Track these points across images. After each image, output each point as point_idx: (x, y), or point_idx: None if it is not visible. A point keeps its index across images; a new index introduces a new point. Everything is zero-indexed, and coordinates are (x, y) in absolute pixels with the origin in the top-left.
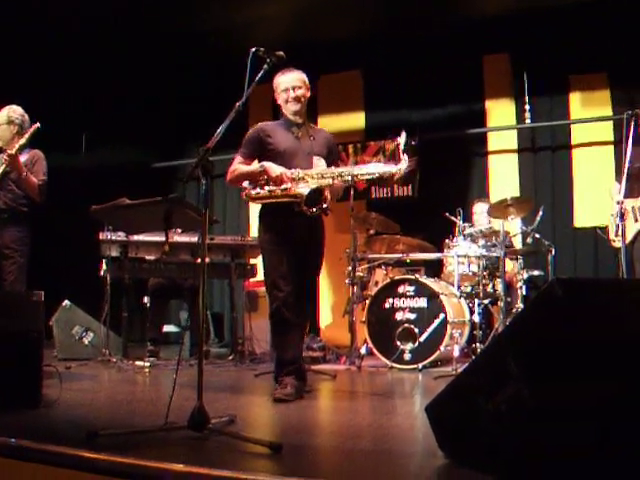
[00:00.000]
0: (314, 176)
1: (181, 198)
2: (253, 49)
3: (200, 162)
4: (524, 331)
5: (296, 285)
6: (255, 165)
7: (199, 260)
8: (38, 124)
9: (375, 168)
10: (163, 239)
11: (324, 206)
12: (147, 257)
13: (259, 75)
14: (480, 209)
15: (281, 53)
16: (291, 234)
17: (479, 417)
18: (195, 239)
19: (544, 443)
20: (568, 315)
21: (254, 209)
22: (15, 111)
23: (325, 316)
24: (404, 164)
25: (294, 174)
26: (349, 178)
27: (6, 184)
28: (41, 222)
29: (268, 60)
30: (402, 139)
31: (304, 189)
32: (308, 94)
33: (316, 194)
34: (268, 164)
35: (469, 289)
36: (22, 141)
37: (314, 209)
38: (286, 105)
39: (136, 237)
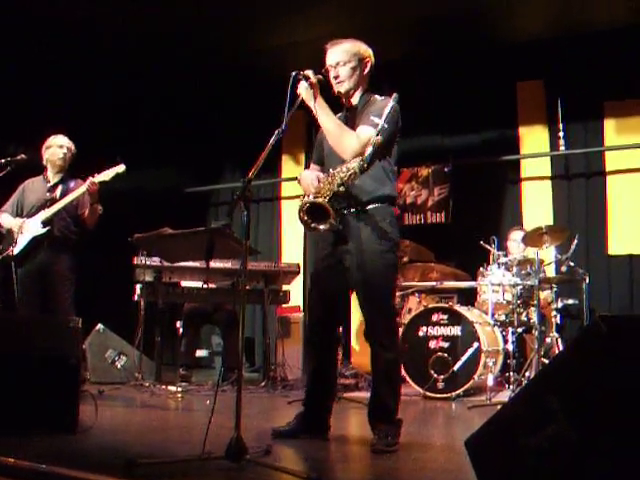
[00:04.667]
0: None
1: (223, 229)
2: (293, 73)
3: (243, 194)
4: (568, 369)
5: None
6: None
7: (234, 286)
8: (123, 165)
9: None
10: (196, 264)
11: (331, 221)
12: (182, 282)
13: (299, 100)
14: (516, 237)
15: (320, 76)
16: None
17: (520, 454)
18: (229, 265)
19: None
20: (613, 352)
21: (287, 235)
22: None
23: (357, 343)
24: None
25: (321, 181)
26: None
27: (60, 212)
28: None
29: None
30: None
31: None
32: (347, 69)
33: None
34: (303, 174)
35: (503, 318)
36: (104, 177)
37: (315, 225)
38: None
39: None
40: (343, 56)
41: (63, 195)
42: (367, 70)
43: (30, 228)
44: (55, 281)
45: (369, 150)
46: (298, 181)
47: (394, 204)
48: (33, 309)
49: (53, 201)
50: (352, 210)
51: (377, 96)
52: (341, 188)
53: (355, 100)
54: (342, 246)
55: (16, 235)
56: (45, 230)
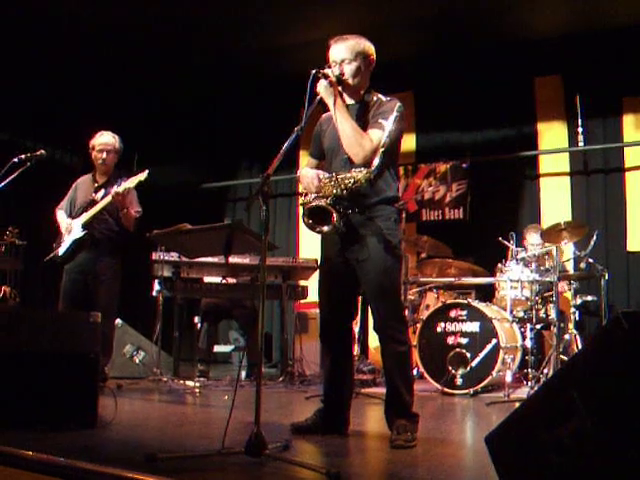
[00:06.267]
0: (327, 183)
1: (242, 224)
2: (313, 71)
3: (261, 189)
4: (589, 364)
5: None
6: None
7: (253, 282)
8: (147, 171)
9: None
10: (214, 260)
11: (334, 223)
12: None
13: (318, 98)
14: (532, 240)
15: (339, 74)
16: None
17: (541, 450)
18: (247, 260)
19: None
20: (634, 348)
21: (304, 230)
22: (120, 141)
23: (375, 338)
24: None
25: (322, 181)
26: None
27: (100, 215)
28: None
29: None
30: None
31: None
32: (352, 67)
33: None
34: (302, 172)
35: (521, 314)
36: (129, 185)
37: (319, 227)
38: None
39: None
40: (348, 54)
41: (103, 198)
42: (371, 68)
43: (73, 230)
44: (95, 281)
45: (376, 162)
46: (298, 179)
47: (397, 203)
48: (73, 309)
49: (94, 203)
50: (357, 210)
51: (381, 95)
52: (344, 192)
53: (357, 97)
54: (348, 245)
55: (64, 236)
56: (83, 234)
